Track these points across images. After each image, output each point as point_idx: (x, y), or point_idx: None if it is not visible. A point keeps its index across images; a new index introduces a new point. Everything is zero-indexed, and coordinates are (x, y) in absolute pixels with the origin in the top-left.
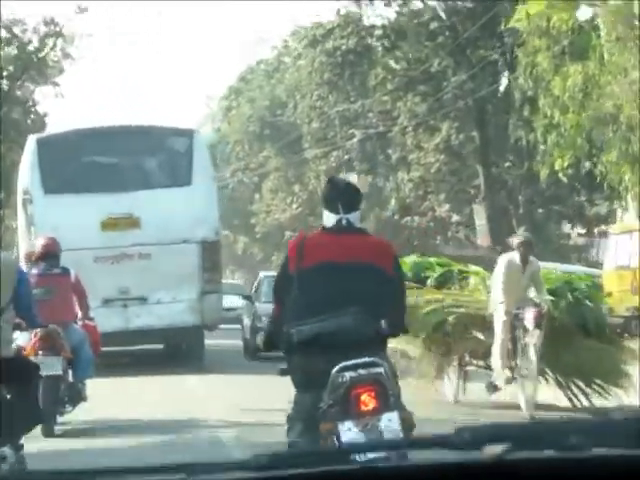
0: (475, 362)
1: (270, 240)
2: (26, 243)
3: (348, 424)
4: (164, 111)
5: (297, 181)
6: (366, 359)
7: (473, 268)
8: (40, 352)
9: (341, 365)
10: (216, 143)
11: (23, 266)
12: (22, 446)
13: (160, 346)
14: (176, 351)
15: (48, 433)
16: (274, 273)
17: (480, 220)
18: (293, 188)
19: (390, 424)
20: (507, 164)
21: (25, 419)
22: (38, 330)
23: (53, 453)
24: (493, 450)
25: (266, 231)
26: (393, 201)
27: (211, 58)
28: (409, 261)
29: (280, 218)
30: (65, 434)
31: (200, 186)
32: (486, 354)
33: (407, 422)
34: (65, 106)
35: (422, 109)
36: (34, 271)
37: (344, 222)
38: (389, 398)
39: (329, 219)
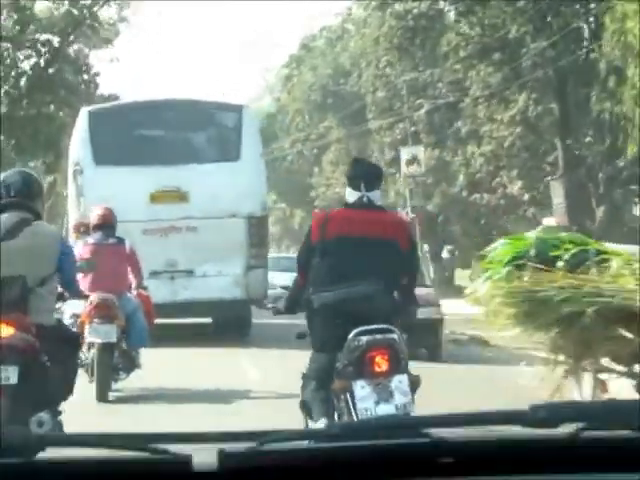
0: (618, 368)
1: None
2: (75, 213)
3: (361, 383)
4: (221, 83)
5: (359, 153)
6: (382, 325)
7: (614, 247)
8: (95, 320)
9: (358, 329)
10: (275, 113)
11: (72, 236)
12: (60, 412)
13: (209, 320)
14: (224, 324)
15: (102, 398)
16: None
17: (557, 198)
18: None
19: (400, 385)
20: (587, 139)
21: (63, 387)
22: (94, 298)
23: (106, 417)
24: (568, 428)
25: (326, 205)
26: (461, 176)
27: (270, 29)
28: (531, 237)
29: (340, 192)
30: (118, 400)
31: (248, 161)
32: (633, 358)
33: (415, 384)
34: (119, 70)
35: (497, 79)
36: (90, 240)
37: (365, 199)
38: (400, 362)
39: (351, 196)
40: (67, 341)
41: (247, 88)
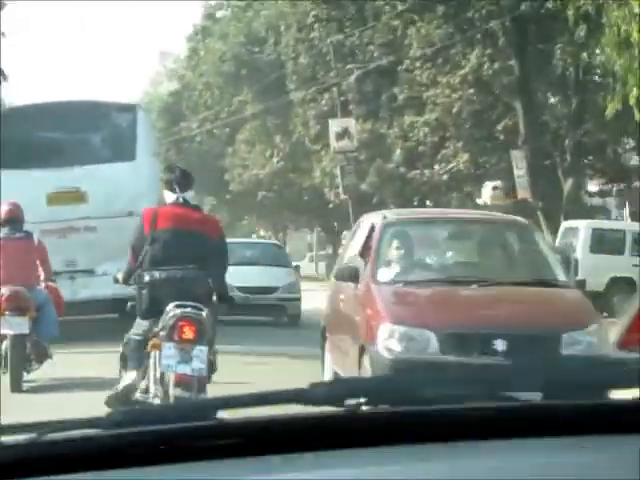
0: None
1: (241, 202)
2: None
3: (169, 345)
4: (115, 75)
5: (279, 129)
6: (194, 303)
7: None
8: (7, 312)
9: (175, 303)
10: (180, 91)
11: None
12: None
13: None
14: (129, 319)
15: (15, 388)
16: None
17: (519, 170)
18: (274, 139)
19: (200, 354)
20: (551, 101)
21: None
22: (5, 291)
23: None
24: (348, 404)
25: (242, 189)
26: (398, 151)
27: (161, 11)
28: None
29: (259, 174)
30: (32, 390)
31: (144, 161)
32: None
33: (213, 357)
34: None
35: (440, 35)
36: None
37: (181, 199)
38: (204, 335)
39: (170, 197)
40: None
41: (143, 77)
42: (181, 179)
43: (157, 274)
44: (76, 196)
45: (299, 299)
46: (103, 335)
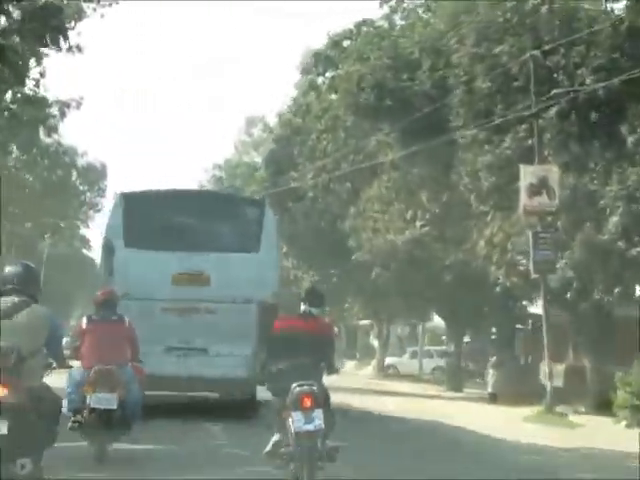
0: None
1: (356, 277)
2: (103, 288)
3: (296, 412)
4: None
5: (425, 185)
6: (309, 381)
7: None
8: (98, 388)
9: (297, 383)
10: (290, 136)
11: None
12: (41, 459)
13: (216, 395)
14: (230, 401)
15: (100, 458)
16: None
17: None
18: (418, 196)
19: (317, 415)
20: None
21: (46, 437)
22: (97, 369)
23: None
24: None
25: (369, 259)
26: (616, 217)
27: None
28: None
29: (395, 241)
30: (113, 461)
31: (266, 253)
32: None
33: (327, 419)
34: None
35: None
36: (94, 317)
37: (307, 311)
38: (318, 403)
39: (301, 308)
40: (51, 401)
41: (228, 143)
42: (313, 300)
43: (283, 364)
44: (200, 279)
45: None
46: (200, 413)
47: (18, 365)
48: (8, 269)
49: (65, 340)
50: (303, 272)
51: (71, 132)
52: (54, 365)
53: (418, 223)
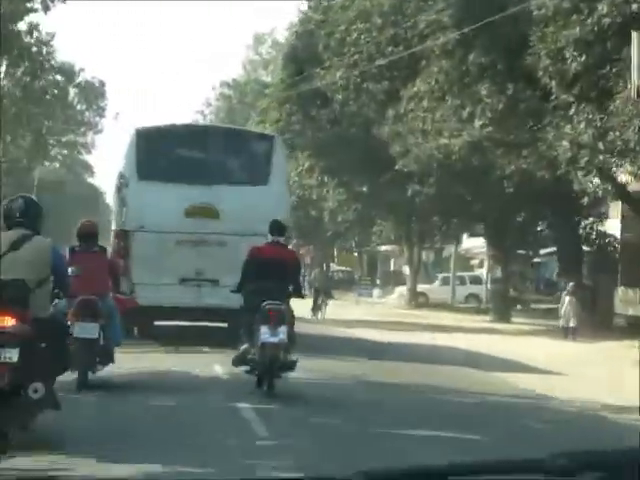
0: None
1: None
2: (118, 222)
3: (264, 326)
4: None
5: (492, 78)
6: (277, 301)
7: None
8: (81, 318)
9: (266, 302)
10: (313, 30)
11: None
12: (53, 383)
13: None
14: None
15: (81, 387)
16: None
17: None
18: (478, 93)
19: (281, 330)
20: None
21: (55, 365)
22: (80, 299)
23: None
24: (588, 477)
25: (415, 170)
26: None
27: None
28: None
29: (451, 146)
30: (95, 387)
31: (275, 187)
32: None
33: (290, 334)
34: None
35: None
36: (77, 249)
37: (275, 240)
38: (284, 320)
39: (267, 239)
40: (59, 329)
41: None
42: (277, 230)
43: (256, 284)
44: (211, 212)
45: None
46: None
47: (25, 296)
48: (9, 202)
49: (70, 270)
50: (327, 190)
51: (68, 48)
52: (61, 295)
53: (477, 122)
